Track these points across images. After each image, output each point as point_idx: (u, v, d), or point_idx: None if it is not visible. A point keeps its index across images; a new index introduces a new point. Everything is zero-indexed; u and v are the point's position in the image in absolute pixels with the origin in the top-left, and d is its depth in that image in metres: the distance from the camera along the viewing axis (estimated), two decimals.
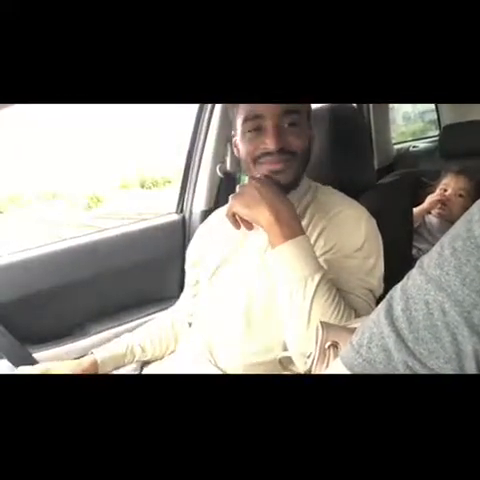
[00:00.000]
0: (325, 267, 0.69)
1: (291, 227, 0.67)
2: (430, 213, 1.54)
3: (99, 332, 1.07)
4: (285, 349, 0.73)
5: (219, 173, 1.22)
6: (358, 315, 0.67)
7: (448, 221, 1.49)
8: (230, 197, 0.73)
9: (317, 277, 0.64)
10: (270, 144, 0.73)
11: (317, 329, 0.53)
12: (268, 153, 0.74)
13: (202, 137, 1.23)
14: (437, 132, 1.94)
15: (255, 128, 0.75)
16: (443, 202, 1.49)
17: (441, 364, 0.30)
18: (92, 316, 1.10)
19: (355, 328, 0.55)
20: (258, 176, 0.74)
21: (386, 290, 0.77)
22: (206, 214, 1.21)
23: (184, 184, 1.28)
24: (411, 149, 1.79)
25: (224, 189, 1.24)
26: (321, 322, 0.54)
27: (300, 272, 0.64)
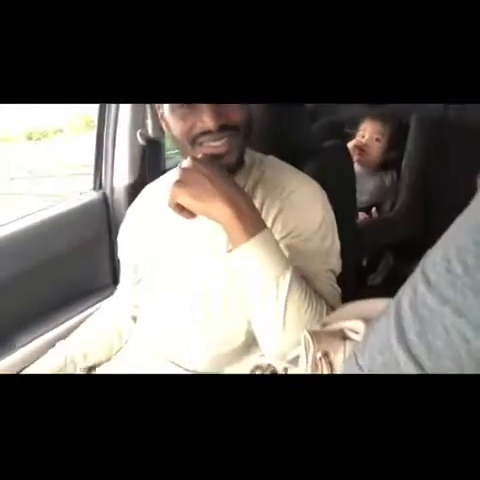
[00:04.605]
0: (286, 253, 0.65)
1: (253, 221, 0.60)
2: None
3: (27, 343, 0.92)
4: (248, 335, 0.70)
5: (141, 140, 1.06)
6: (326, 301, 0.65)
7: (367, 166, 1.54)
8: (172, 185, 0.62)
9: (288, 274, 0.60)
10: (208, 122, 0.62)
11: (306, 340, 0.50)
12: (207, 132, 0.64)
13: None
14: None
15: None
16: (361, 148, 1.53)
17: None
18: (14, 326, 0.94)
19: (340, 330, 0.53)
20: (200, 156, 0.64)
21: None
22: (131, 189, 1.08)
23: (98, 156, 1.09)
24: None
25: (149, 159, 1.09)
26: (308, 332, 0.50)
27: (270, 271, 0.59)
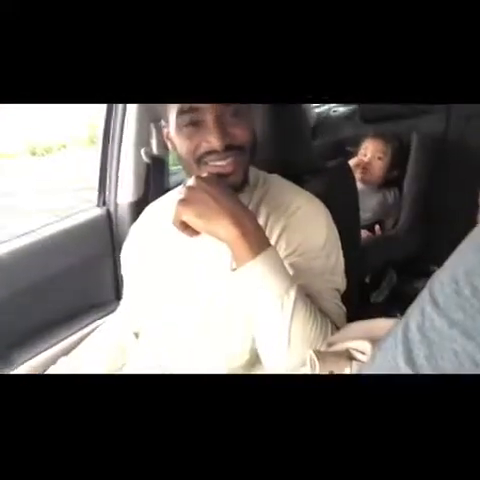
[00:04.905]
0: (291, 272, 0.65)
1: (258, 239, 0.60)
2: None
3: (29, 359, 0.91)
4: (252, 354, 0.70)
5: (145, 158, 1.07)
6: (331, 320, 0.65)
7: (370, 184, 1.55)
8: (177, 203, 0.62)
9: (293, 292, 0.59)
10: (214, 142, 0.63)
11: (311, 360, 0.49)
12: (213, 151, 0.65)
13: (119, 115, 1.05)
14: None
15: (193, 122, 0.64)
16: (363, 166, 1.54)
17: None
18: (17, 341, 0.93)
19: (346, 350, 0.52)
20: (205, 175, 0.64)
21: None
22: (135, 206, 1.08)
23: (103, 172, 1.10)
24: (331, 113, 1.80)
25: (154, 176, 1.10)
26: (314, 352, 0.50)
27: (275, 290, 0.59)
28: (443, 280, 0.30)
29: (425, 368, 0.29)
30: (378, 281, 1.45)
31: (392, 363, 0.32)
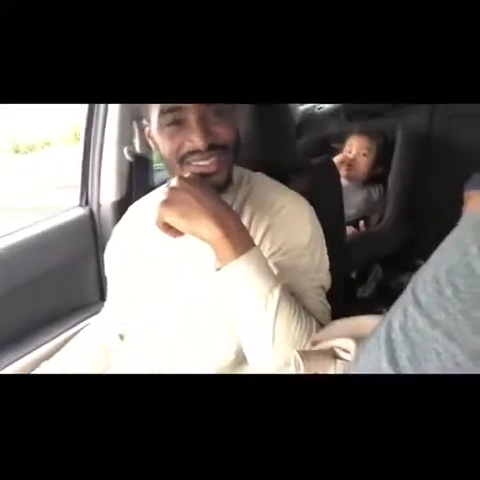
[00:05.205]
0: (275, 271, 0.65)
1: (241, 240, 0.60)
2: None
3: (8, 365, 0.89)
4: (238, 355, 0.69)
5: (128, 157, 1.05)
6: (315, 318, 0.65)
7: (355, 181, 1.55)
8: (158, 204, 0.61)
9: (277, 292, 0.59)
10: (197, 141, 0.62)
11: (295, 360, 0.49)
12: (196, 151, 0.64)
13: (101, 114, 1.03)
14: None
15: (175, 121, 0.63)
16: (348, 163, 1.54)
17: None
18: None
19: (330, 349, 0.52)
20: (188, 175, 0.64)
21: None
22: (118, 205, 1.07)
23: (85, 171, 1.08)
24: (316, 110, 1.80)
25: (137, 175, 1.08)
26: (298, 352, 0.49)
27: (259, 289, 0.59)
28: (425, 279, 0.30)
29: (407, 369, 0.29)
30: (364, 276, 1.46)
31: (375, 364, 0.32)
